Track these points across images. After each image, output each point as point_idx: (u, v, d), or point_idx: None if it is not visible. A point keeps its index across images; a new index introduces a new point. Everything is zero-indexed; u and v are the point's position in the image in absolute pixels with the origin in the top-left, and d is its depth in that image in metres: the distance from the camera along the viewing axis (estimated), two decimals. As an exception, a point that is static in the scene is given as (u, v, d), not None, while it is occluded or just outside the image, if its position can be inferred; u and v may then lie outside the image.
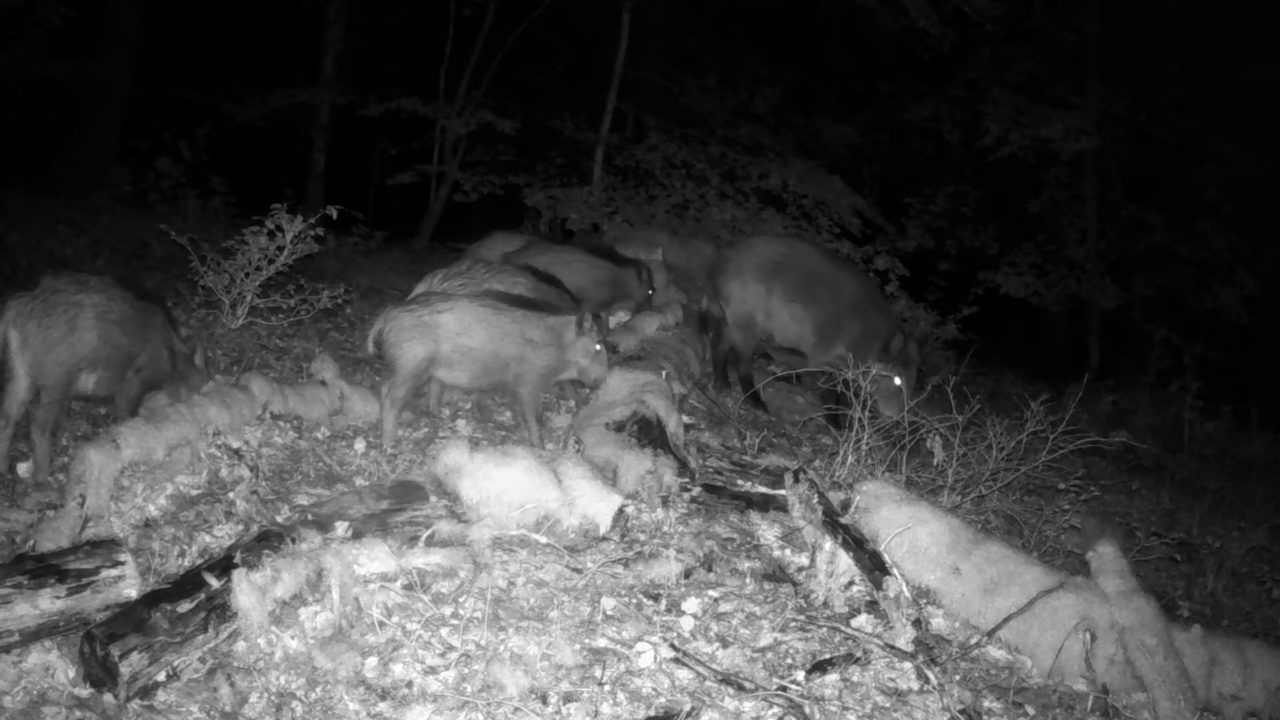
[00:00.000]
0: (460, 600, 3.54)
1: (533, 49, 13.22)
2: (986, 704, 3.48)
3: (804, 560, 4.23)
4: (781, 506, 4.52)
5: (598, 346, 5.04)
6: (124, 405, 4.52)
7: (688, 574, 3.95)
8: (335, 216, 6.56)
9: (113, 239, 8.22)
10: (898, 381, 5.72)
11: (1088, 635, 3.71)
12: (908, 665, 3.48)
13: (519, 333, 4.90)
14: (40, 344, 4.03)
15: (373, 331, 4.83)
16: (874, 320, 6.10)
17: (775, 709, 3.14)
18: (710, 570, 4.05)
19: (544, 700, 3.07)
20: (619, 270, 6.80)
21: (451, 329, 4.75)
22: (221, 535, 3.78)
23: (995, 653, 3.84)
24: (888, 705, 3.32)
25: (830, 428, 6.02)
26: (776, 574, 4.14)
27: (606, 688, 3.16)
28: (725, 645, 3.51)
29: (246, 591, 3.20)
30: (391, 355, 4.76)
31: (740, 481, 4.72)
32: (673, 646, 3.38)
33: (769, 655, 3.51)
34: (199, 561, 3.47)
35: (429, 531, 3.79)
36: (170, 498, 4.02)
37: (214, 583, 3.19)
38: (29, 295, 4.11)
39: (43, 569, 3.14)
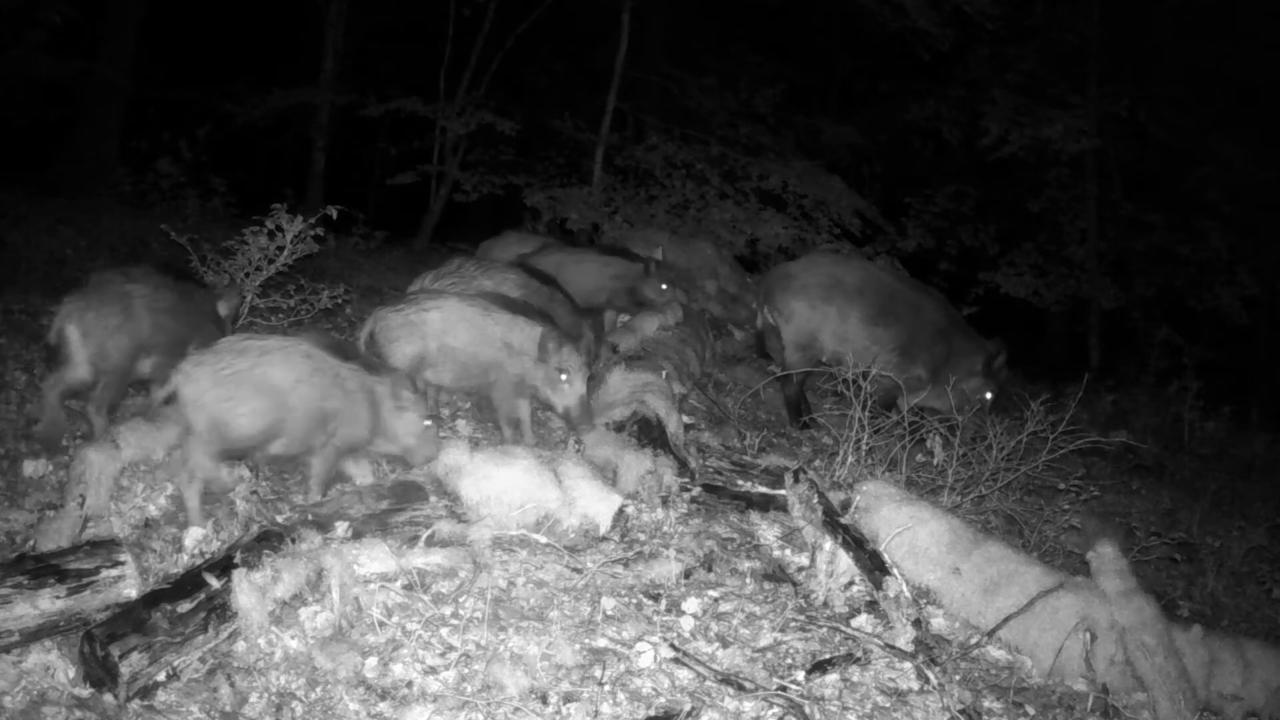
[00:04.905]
0: (460, 600, 3.54)
1: (533, 49, 13.21)
2: (986, 704, 3.48)
3: (804, 560, 4.23)
4: (781, 506, 4.52)
5: (563, 376, 4.71)
6: None
7: (688, 574, 3.95)
8: (335, 216, 6.54)
9: (113, 239, 8.21)
10: (989, 396, 5.95)
11: (1088, 635, 3.72)
12: (908, 665, 3.48)
13: (500, 336, 4.79)
14: (102, 333, 4.29)
15: (364, 333, 4.81)
16: (958, 343, 6.07)
17: (775, 709, 3.15)
18: (710, 570, 4.05)
19: (544, 700, 3.07)
20: (633, 267, 6.77)
21: (437, 327, 4.72)
22: (222, 535, 3.78)
23: (995, 653, 3.85)
24: (888, 705, 3.32)
25: (829, 427, 6.02)
26: (776, 574, 4.14)
27: (606, 688, 3.16)
28: (725, 645, 3.51)
29: (246, 591, 3.20)
30: (382, 356, 4.75)
31: (740, 481, 4.72)
32: (673, 646, 3.38)
33: (769, 655, 3.51)
34: (199, 561, 3.47)
35: (429, 531, 3.79)
36: (170, 498, 4.02)
37: (214, 583, 3.19)
38: (82, 292, 4.38)
39: (43, 569, 3.14)
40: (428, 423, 4.28)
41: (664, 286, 6.73)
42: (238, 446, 3.85)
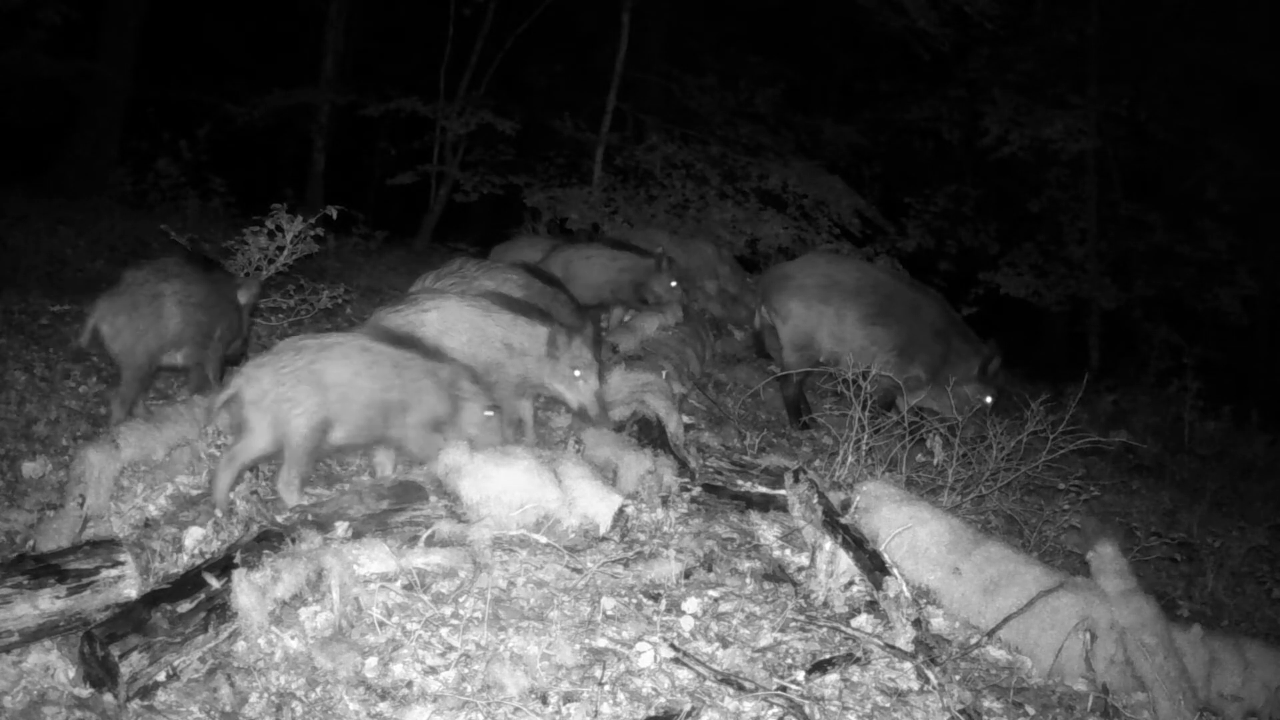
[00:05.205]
0: (460, 600, 3.54)
1: (533, 49, 13.22)
2: (986, 704, 3.48)
3: (804, 560, 4.23)
4: (781, 506, 4.52)
5: (576, 372, 4.70)
6: (213, 370, 4.93)
7: (688, 574, 3.95)
8: (335, 216, 6.56)
9: (113, 239, 8.23)
10: (988, 400, 5.94)
11: (1088, 635, 3.71)
12: (908, 665, 3.48)
13: (500, 337, 4.75)
14: (131, 334, 4.47)
15: None
16: (957, 344, 6.07)
17: (775, 709, 3.14)
18: (710, 570, 4.05)
19: (544, 700, 3.07)
20: (643, 261, 6.76)
21: (434, 328, 4.70)
22: (222, 535, 3.78)
23: (995, 653, 3.84)
24: (888, 705, 3.32)
25: (829, 427, 6.01)
26: (776, 574, 4.14)
27: (606, 688, 3.16)
28: (725, 645, 3.51)
29: (246, 591, 3.20)
30: None
31: (740, 481, 4.72)
32: (673, 646, 3.38)
33: (769, 655, 3.51)
34: (199, 561, 3.47)
35: (429, 531, 3.79)
36: (170, 498, 4.02)
37: (214, 583, 3.19)
38: (115, 291, 4.53)
39: (43, 569, 3.14)
40: (489, 413, 4.36)
41: (673, 284, 6.71)
42: (294, 442, 3.94)
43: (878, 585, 3.76)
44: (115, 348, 4.46)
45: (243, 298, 5.20)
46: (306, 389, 3.92)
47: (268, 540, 3.39)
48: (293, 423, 3.91)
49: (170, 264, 4.85)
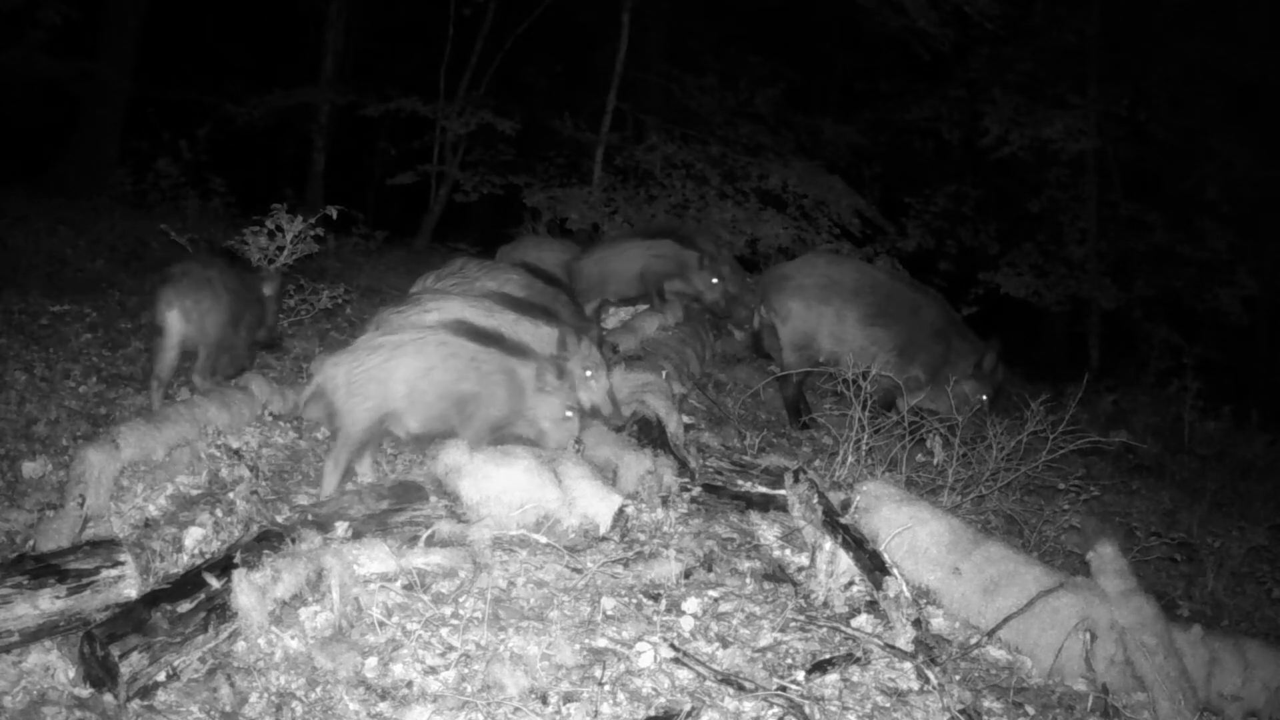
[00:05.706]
0: (460, 600, 3.54)
1: (533, 49, 13.22)
2: (986, 704, 3.48)
3: (804, 560, 4.23)
4: (781, 506, 4.52)
5: (588, 371, 4.53)
6: (237, 360, 5.18)
7: (688, 574, 3.95)
8: (335, 216, 6.56)
9: (113, 239, 8.23)
10: (984, 398, 5.96)
11: (1088, 635, 3.71)
12: (908, 665, 3.48)
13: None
14: (199, 315, 4.81)
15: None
16: (956, 343, 6.08)
17: (775, 709, 3.14)
18: (710, 570, 4.05)
19: (544, 700, 3.07)
20: (683, 253, 6.65)
21: None
22: (222, 535, 3.78)
23: (995, 653, 3.84)
24: (888, 705, 3.32)
25: (829, 427, 6.01)
26: (776, 574, 4.14)
27: (606, 688, 3.16)
28: (725, 645, 3.51)
29: (246, 591, 3.20)
30: None
31: (740, 481, 4.72)
32: (673, 646, 3.38)
33: (769, 655, 3.51)
34: (199, 561, 3.47)
35: (429, 531, 3.79)
36: (170, 498, 4.02)
37: (214, 583, 3.19)
38: (174, 279, 4.82)
39: (43, 569, 3.14)
40: (569, 413, 4.40)
41: (714, 280, 6.56)
42: (349, 431, 4.12)
43: (878, 585, 3.76)
44: (186, 328, 4.76)
45: (267, 289, 5.43)
46: (374, 387, 4.09)
47: (268, 540, 3.39)
48: (354, 413, 4.09)
49: (204, 256, 5.29)
